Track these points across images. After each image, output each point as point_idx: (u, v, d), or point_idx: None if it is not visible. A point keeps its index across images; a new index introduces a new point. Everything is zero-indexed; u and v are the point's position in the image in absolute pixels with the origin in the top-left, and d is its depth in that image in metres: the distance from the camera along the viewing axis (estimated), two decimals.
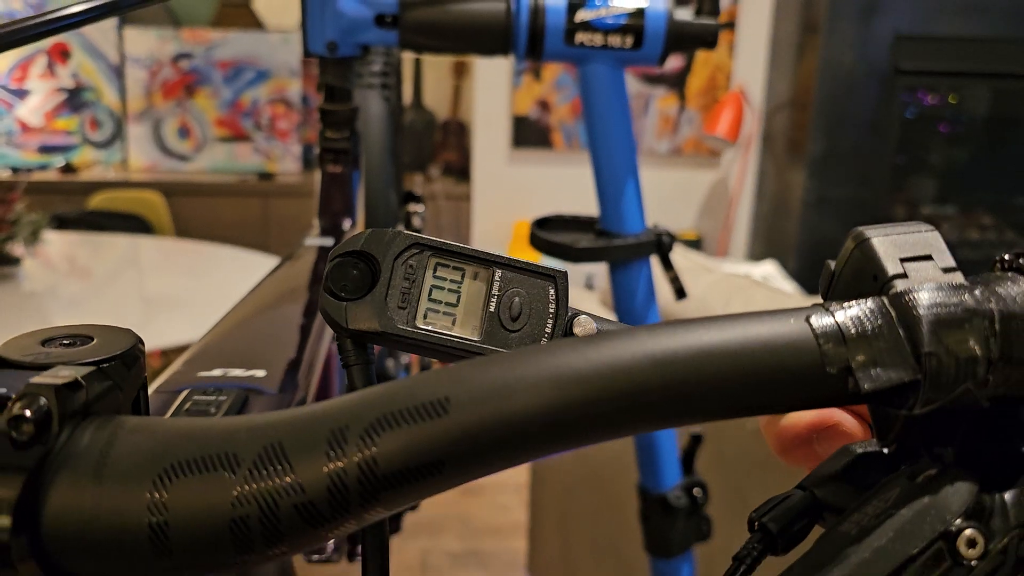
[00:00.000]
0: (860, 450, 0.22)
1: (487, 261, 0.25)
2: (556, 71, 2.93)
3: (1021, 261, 0.20)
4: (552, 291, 0.25)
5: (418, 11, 0.72)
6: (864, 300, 0.19)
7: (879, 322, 0.19)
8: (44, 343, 0.23)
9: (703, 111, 3.00)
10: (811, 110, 2.66)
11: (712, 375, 0.18)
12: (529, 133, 2.99)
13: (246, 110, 3.22)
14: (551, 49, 0.75)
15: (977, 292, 0.18)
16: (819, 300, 0.21)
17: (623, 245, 0.82)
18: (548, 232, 0.84)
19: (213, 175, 3.19)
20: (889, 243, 0.20)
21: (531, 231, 0.84)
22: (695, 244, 3.02)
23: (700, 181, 3.09)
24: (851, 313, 0.19)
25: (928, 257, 0.20)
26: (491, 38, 0.74)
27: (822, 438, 0.30)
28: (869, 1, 2.51)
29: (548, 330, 0.25)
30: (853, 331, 0.19)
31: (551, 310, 0.25)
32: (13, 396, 0.19)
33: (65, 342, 0.23)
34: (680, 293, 0.85)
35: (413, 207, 1.12)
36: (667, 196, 3.03)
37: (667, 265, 0.85)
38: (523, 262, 0.25)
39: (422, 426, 0.18)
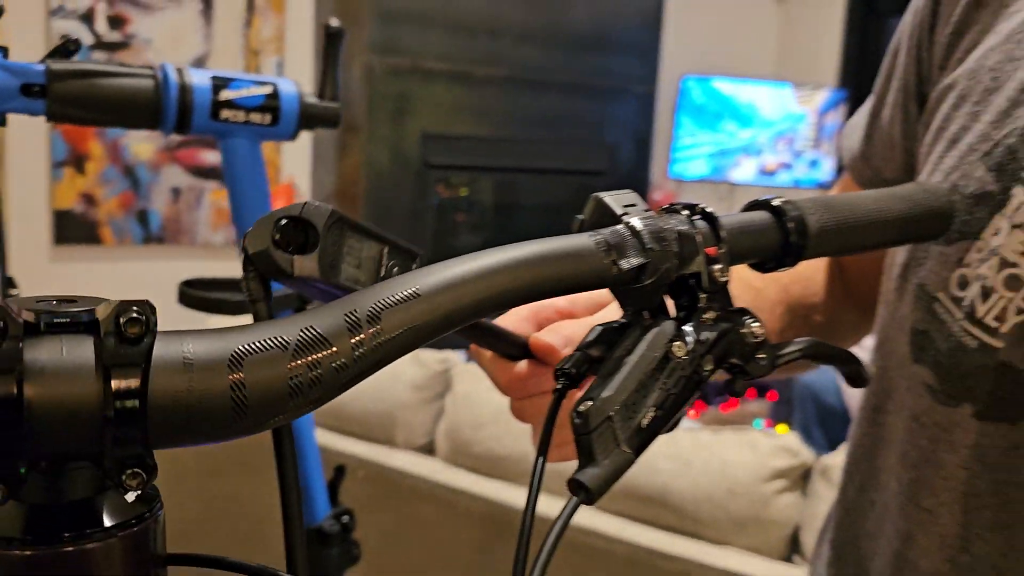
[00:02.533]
0: (602, 327, 0.39)
1: (380, 238, 0.37)
2: (101, 164, 2.81)
3: (677, 207, 0.38)
4: (416, 263, 0.38)
5: (67, 83, 0.75)
6: (609, 228, 0.36)
7: (623, 236, 0.35)
8: None
9: None
10: (359, 201, 2.96)
11: (547, 269, 0.33)
12: (74, 229, 2.80)
13: None
14: (198, 124, 0.83)
15: (662, 217, 0.36)
16: None
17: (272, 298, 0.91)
18: (198, 290, 0.90)
19: None
20: (613, 199, 0.37)
21: (181, 291, 0.89)
22: None
23: None
24: (606, 234, 0.35)
25: (635, 204, 0.37)
26: (141, 112, 0.80)
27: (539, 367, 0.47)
28: (400, 104, 2.92)
29: None
30: (612, 242, 0.35)
31: None
32: (111, 308, 0.26)
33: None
34: None
35: (12, 291, 1.07)
36: None
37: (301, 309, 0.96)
38: (402, 242, 0.37)
39: (405, 306, 0.30)
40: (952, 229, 0.45)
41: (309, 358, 0.28)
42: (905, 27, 0.61)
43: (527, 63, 3.12)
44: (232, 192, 0.90)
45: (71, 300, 0.28)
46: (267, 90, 0.86)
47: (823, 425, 2.54)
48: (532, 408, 0.48)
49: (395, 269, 0.37)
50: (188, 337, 0.27)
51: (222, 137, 0.87)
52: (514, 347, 0.48)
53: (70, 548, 0.27)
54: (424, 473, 1.53)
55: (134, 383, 0.25)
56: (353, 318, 0.29)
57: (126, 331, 0.26)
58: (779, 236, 0.39)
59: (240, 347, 0.27)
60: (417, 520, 1.55)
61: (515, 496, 1.42)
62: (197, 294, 0.88)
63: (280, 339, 0.28)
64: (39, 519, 0.27)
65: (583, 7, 3.20)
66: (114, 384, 0.25)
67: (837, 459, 1.27)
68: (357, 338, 0.28)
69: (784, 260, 0.39)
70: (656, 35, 3.43)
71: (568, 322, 0.47)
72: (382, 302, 0.30)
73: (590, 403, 0.33)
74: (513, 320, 0.48)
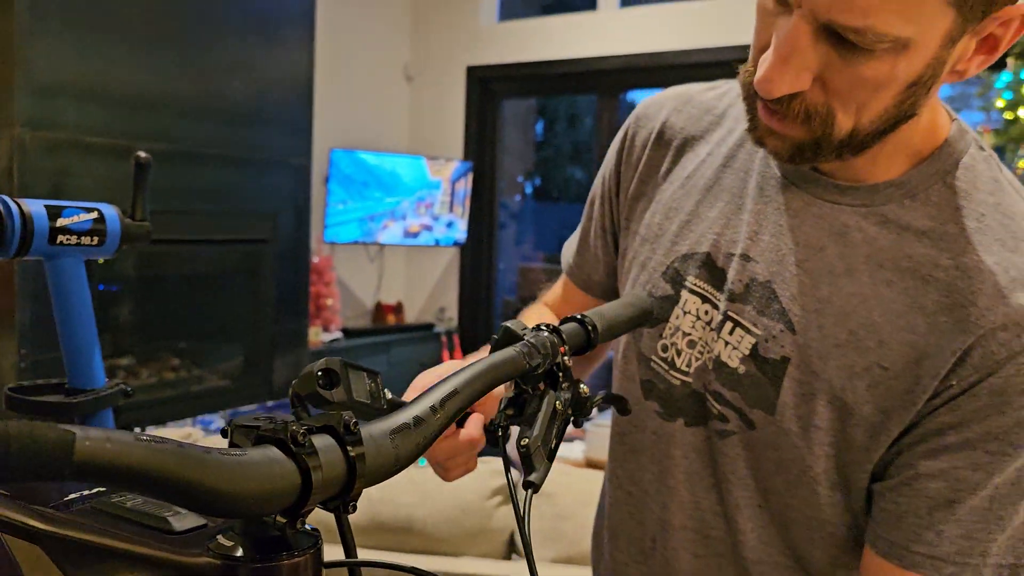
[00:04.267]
0: (507, 400, 0.65)
1: (366, 370, 0.57)
2: None
3: (541, 327, 0.67)
4: (379, 377, 0.59)
5: None
6: (519, 343, 0.64)
7: (528, 347, 0.62)
8: None
9: None
10: (13, 278, 2.77)
11: (500, 371, 0.61)
12: None
13: None
14: (37, 248, 0.93)
15: (538, 335, 0.64)
16: None
17: (95, 398, 1.02)
18: (23, 395, 0.98)
19: None
20: (514, 324, 0.65)
21: (7, 395, 0.96)
22: None
23: None
24: (520, 347, 0.63)
25: (525, 328, 0.65)
26: None
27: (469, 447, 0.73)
28: (57, 179, 2.80)
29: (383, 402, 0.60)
30: (525, 351, 0.62)
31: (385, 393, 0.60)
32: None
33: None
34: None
35: None
36: None
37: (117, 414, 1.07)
38: (372, 369, 0.59)
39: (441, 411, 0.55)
40: (654, 318, 0.82)
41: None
42: (597, 188, 0.98)
43: (188, 137, 3.18)
44: (60, 307, 0.99)
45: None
46: (94, 215, 0.99)
47: None
48: (450, 460, 0.75)
49: (383, 388, 0.56)
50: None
51: (53, 258, 0.97)
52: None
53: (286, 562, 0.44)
54: None
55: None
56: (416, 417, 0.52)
57: (352, 429, 0.48)
58: (585, 335, 0.71)
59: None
60: None
61: None
62: (21, 397, 0.96)
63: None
64: (271, 545, 0.43)
65: (240, 83, 3.36)
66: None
67: None
68: (427, 423, 0.52)
69: (587, 348, 0.71)
70: (308, 110, 3.70)
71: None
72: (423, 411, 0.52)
73: (527, 439, 0.62)
74: (419, 387, 0.73)
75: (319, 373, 0.49)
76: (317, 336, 4.07)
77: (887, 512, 0.71)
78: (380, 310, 4.75)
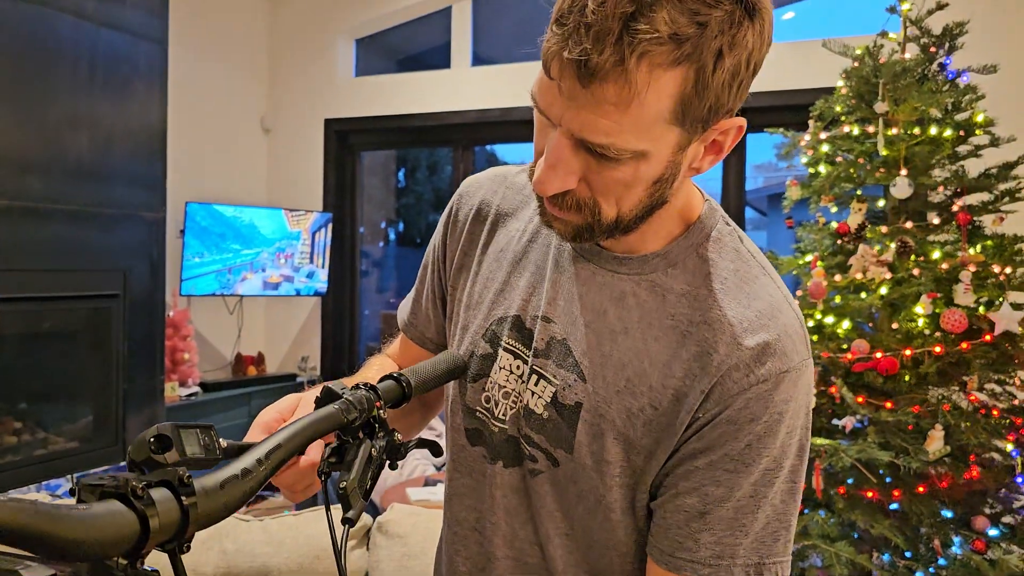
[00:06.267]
0: (331, 448, 0.75)
1: (197, 426, 0.64)
2: None
3: (360, 386, 0.77)
4: (213, 431, 0.68)
5: None
6: (337, 401, 0.74)
7: (346, 404, 0.74)
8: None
9: None
10: None
11: (321, 425, 0.71)
12: None
13: None
14: None
15: (356, 392, 0.76)
16: None
17: None
18: None
19: None
20: (335, 385, 0.76)
21: None
22: None
23: None
24: (340, 405, 0.74)
25: (344, 387, 0.76)
26: None
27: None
28: None
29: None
30: (343, 408, 0.74)
31: (220, 443, 0.69)
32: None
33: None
34: None
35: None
36: None
37: None
38: (203, 423, 0.65)
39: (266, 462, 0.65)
40: (473, 374, 0.95)
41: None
42: (429, 255, 1.10)
43: (29, 192, 3.10)
44: None
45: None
46: None
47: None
48: (294, 484, 0.84)
49: (217, 439, 0.65)
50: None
51: None
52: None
53: None
54: None
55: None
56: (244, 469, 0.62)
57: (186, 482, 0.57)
58: (400, 390, 0.83)
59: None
60: None
61: None
62: None
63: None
64: None
65: (86, 137, 3.31)
66: None
67: (388, 517, 1.73)
68: (254, 473, 0.62)
69: (402, 401, 0.83)
70: (161, 163, 3.67)
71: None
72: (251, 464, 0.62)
73: (345, 482, 0.72)
74: (257, 431, 0.82)
75: (151, 440, 0.54)
76: (174, 391, 3.98)
77: (657, 525, 0.85)
78: (240, 362, 4.69)
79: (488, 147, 5.05)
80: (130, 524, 0.47)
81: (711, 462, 0.81)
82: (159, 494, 0.50)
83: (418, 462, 3.73)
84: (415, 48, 5.60)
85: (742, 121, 0.78)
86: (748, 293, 0.85)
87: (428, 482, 3.42)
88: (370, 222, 6.02)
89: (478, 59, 4.78)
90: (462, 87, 4.68)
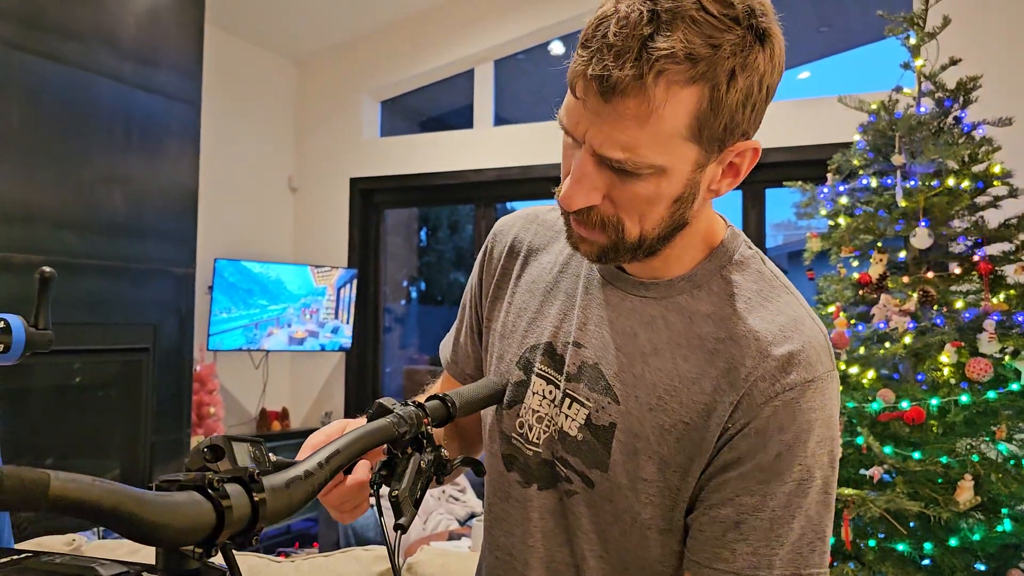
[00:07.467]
0: (382, 462, 0.78)
1: (247, 439, 0.69)
2: None
3: (410, 403, 0.81)
4: (263, 444, 0.72)
5: None
6: (388, 415, 0.78)
7: (398, 419, 0.78)
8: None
9: None
10: None
11: (374, 437, 0.74)
12: None
13: None
14: None
15: (407, 408, 0.79)
16: None
17: None
18: None
19: None
20: (386, 400, 0.79)
21: None
22: None
23: None
24: (392, 419, 0.77)
25: (395, 403, 0.79)
26: None
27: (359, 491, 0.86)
28: None
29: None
30: (395, 421, 0.77)
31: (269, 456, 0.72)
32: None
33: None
34: None
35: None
36: None
37: None
38: (254, 436, 0.69)
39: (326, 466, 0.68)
40: (507, 400, 0.98)
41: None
42: (467, 294, 1.15)
43: (64, 248, 3.19)
44: None
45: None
46: (1, 324, 1.07)
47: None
48: (343, 504, 0.86)
49: (267, 453, 0.68)
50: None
51: None
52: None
53: None
54: None
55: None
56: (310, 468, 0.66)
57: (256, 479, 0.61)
58: (445, 409, 0.86)
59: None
60: None
61: None
62: None
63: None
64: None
65: (121, 195, 3.42)
66: None
67: (418, 559, 1.74)
68: (316, 475, 0.66)
69: (447, 420, 0.86)
70: (192, 220, 3.77)
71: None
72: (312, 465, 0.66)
73: (396, 491, 0.75)
74: (307, 452, 0.85)
75: (205, 449, 0.57)
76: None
77: (694, 538, 0.87)
78: (265, 416, 4.72)
79: (509, 204, 5.14)
80: (207, 513, 0.51)
81: (743, 473, 0.84)
82: (233, 488, 0.53)
83: (441, 517, 3.72)
84: (438, 110, 5.76)
85: (757, 144, 0.83)
86: (772, 309, 0.89)
87: (452, 536, 3.40)
88: (392, 280, 6.11)
89: (499, 119, 4.91)
90: (483, 146, 4.79)
